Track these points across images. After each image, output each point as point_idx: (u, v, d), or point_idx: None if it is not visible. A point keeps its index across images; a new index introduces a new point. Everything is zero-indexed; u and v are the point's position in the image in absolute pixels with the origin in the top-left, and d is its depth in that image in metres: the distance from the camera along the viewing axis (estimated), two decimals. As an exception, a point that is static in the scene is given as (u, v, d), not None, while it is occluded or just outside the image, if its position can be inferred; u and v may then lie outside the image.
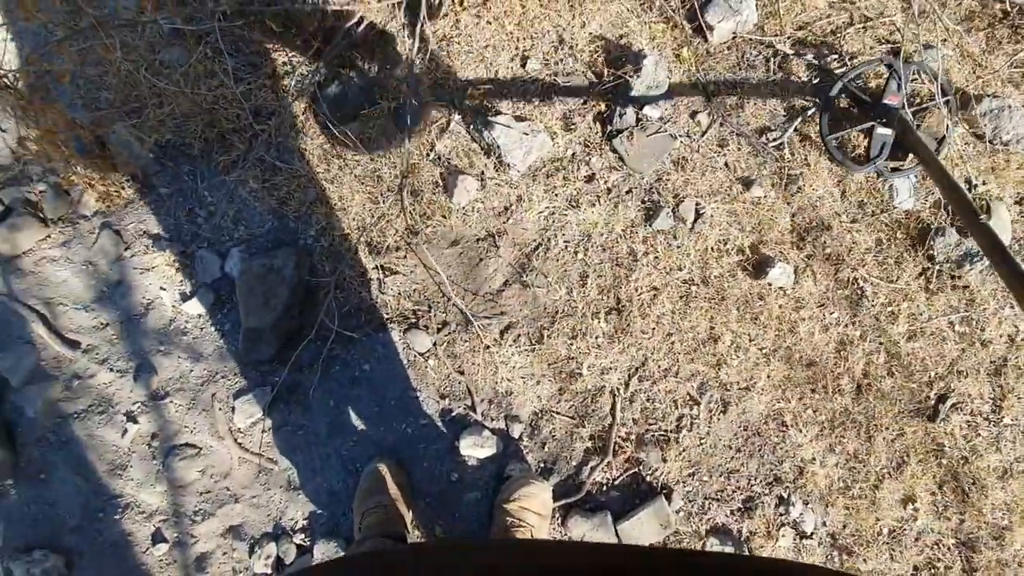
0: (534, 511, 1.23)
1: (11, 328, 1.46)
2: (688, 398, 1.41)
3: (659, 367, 1.42)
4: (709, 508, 1.36)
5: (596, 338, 1.43)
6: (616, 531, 1.30)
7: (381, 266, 1.47)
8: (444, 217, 1.49)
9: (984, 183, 1.54)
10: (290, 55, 1.55)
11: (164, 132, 1.50)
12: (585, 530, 1.30)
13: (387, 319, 1.44)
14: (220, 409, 1.43)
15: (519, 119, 1.54)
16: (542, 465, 1.37)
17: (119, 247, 1.52)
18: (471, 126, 1.53)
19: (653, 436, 1.39)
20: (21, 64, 1.54)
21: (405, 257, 1.48)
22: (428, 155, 1.52)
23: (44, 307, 1.49)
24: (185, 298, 1.48)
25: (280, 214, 1.51)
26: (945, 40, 1.60)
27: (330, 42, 1.51)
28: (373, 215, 1.49)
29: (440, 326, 1.44)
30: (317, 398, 1.41)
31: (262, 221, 1.51)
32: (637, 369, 1.42)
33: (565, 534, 1.33)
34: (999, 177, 1.54)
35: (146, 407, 1.44)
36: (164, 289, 1.50)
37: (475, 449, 1.34)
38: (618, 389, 1.40)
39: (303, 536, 1.37)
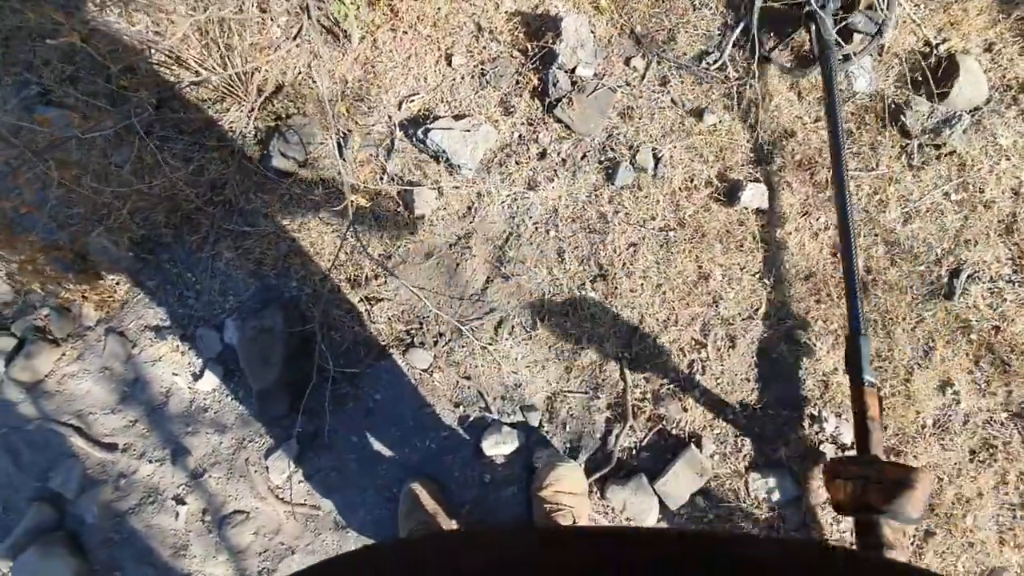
0: (568, 491, 1.22)
1: (53, 447, 1.53)
2: (693, 343, 1.37)
3: (657, 320, 1.38)
4: (742, 445, 1.32)
5: (588, 310, 1.40)
6: (655, 490, 1.28)
7: (365, 297, 1.48)
8: (411, 234, 1.48)
9: (945, 39, 1.44)
10: (229, 122, 1.56)
11: (134, 229, 1.54)
12: (624, 497, 1.28)
13: (384, 346, 1.45)
14: (255, 471, 1.47)
15: (458, 118, 1.52)
16: (568, 446, 1.36)
17: (127, 347, 1.57)
18: (413, 138, 1.52)
19: (668, 389, 1.35)
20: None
21: (385, 283, 1.48)
22: (382, 178, 1.52)
23: (77, 420, 1.56)
24: (197, 377, 1.52)
25: (260, 275, 1.53)
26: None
27: (265, 100, 1.52)
28: (346, 251, 1.50)
29: (436, 339, 1.44)
30: (339, 437, 1.43)
31: (245, 286, 1.53)
32: (636, 329, 1.39)
33: (607, 506, 1.32)
34: (959, 29, 1.43)
35: (190, 487, 1.49)
36: (176, 375, 1.54)
37: (499, 447, 1.33)
38: (622, 353, 1.38)
39: (361, 570, 1.40)
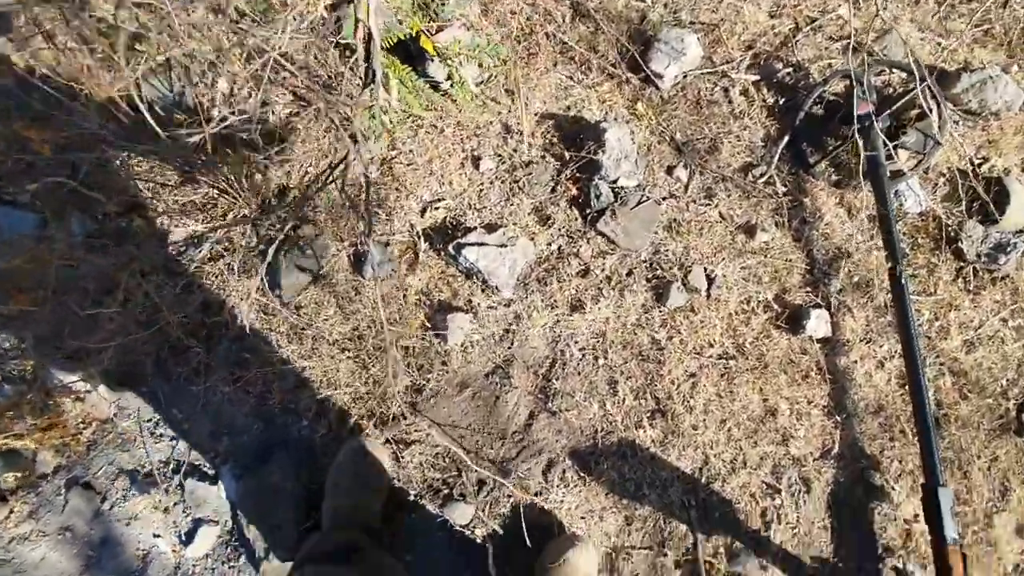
0: None
1: (-6, 639, 1.16)
2: (765, 487, 1.17)
3: (724, 462, 1.18)
4: (826, 605, 1.12)
5: (647, 450, 1.19)
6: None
7: (392, 439, 1.20)
8: (444, 364, 1.23)
9: (986, 159, 1.34)
10: (227, 232, 1.27)
11: (107, 362, 1.21)
12: None
13: (416, 497, 1.17)
14: (260, 658, 1.15)
15: (490, 229, 1.29)
16: (633, 612, 1.12)
17: (93, 501, 1.23)
18: (441, 252, 1.28)
19: (743, 543, 1.15)
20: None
21: (415, 422, 1.21)
22: (404, 297, 1.26)
23: (26, 598, 1.18)
24: (185, 540, 1.19)
25: (263, 413, 1.23)
26: (895, 21, 1.40)
27: (267, 206, 1.24)
28: (365, 382, 1.22)
29: (477, 487, 1.18)
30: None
31: (245, 425, 1.23)
32: (701, 471, 1.18)
33: None
34: (1000, 148, 1.34)
35: None
36: (159, 536, 1.21)
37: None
38: (688, 501, 1.16)
39: None
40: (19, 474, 1.26)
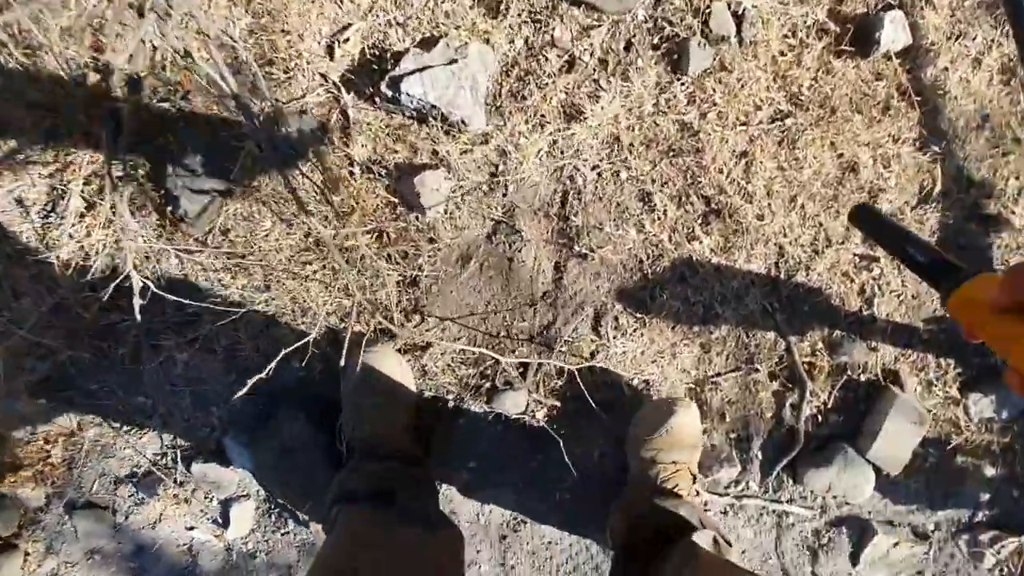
0: (689, 444, 0.88)
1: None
2: (858, 261, 0.95)
3: (803, 248, 0.94)
4: (947, 366, 0.96)
5: (708, 263, 0.95)
6: (867, 460, 0.93)
7: (402, 349, 0.97)
8: (432, 242, 0.94)
9: None
10: (76, 168, 0.91)
11: (24, 371, 0.95)
12: (829, 479, 0.93)
13: (456, 402, 0.98)
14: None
15: (426, 44, 0.92)
16: (733, 438, 0.97)
17: (105, 518, 1.06)
18: (376, 99, 0.92)
19: (842, 330, 0.96)
20: None
21: (424, 320, 0.96)
22: (352, 172, 0.93)
23: (89, 626, 1.07)
24: (222, 523, 1.03)
25: (240, 368, 0.99)
26: None
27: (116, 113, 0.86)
28: (347, 294, 0.96)
29: (521, 370, 0.97)
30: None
31: (227, 388, 0.99)
32: (777, 266, 0.95)
33: (803, 492, 0.98)
34: None
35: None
36: (193, 528, 1.05)
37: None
38: (769, 305, 0.95)
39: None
40: (13, 518, 1.08)
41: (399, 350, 0.99)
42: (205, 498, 1.05)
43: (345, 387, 0.95)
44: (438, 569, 0.66)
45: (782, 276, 0.97)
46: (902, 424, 0.93)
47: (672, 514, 0.77)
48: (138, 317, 0.80)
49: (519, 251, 0.98)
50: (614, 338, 0.97)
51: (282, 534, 1.05)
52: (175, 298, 0.85)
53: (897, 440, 0.93)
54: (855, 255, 0.96)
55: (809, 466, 0.96)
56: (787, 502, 0.99)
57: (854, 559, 1.00)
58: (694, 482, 0.88)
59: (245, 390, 0.74)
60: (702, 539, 0.73)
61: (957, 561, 1.01)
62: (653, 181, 0.95)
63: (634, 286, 0.97)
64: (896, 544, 0.98)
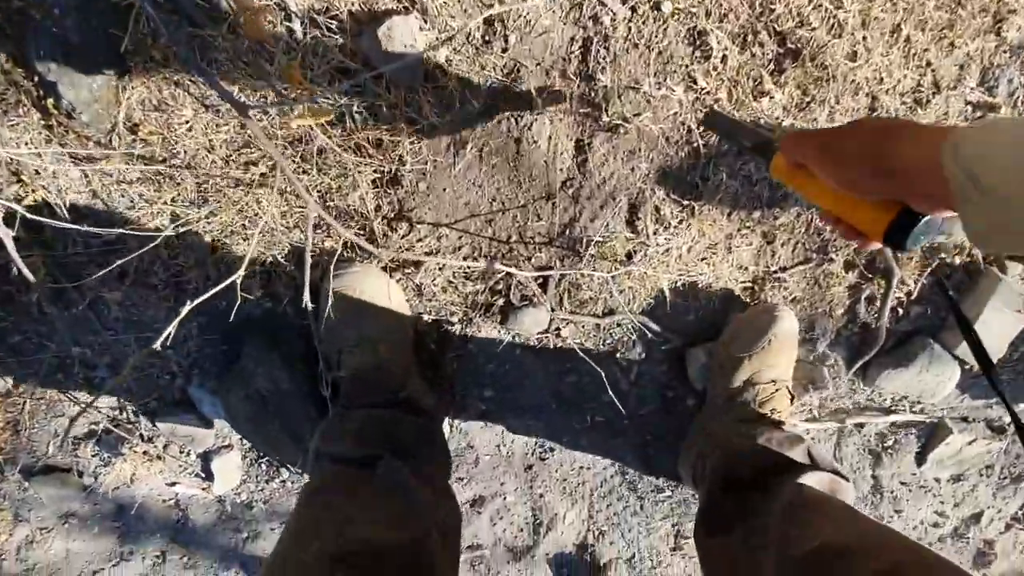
0: (787, 359, 0.75)
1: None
2: (972, 109, 0.72)
3: (901, 97, 0.72)
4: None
5: (779, 126, 0.72)
6: (955, 356, 0.78)
7: (388, 267, 0.77)
8: (412, 122, 0.70)
9: None
10: None
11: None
12: (907, 381, 0.79)
13: (463, 324, 0.79)
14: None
15: None
16: (800, 339, 0.81)
17: (71, 482, 0.91)
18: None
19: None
20: None
21: (412, 229, 0.75)
22: (290, 30, 0.66)
23: (84, 586, 0.98)
24: (206, 476, 0.89)
25: (185, 299, 0.79)
26: None
27: None
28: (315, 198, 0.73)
29: (541, 281, 0.78)
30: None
31: (181, 329, 0.80)
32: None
33: (872, 396, 0.84)
34: None
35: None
36: (175, 483, 0.91)
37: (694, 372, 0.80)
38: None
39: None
40: (-36, 487, 0.93)
41: (387, 268, 0.78)
42: (181, 452, 0.90)
43: (324, 321, 0.76)
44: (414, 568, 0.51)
45: (872, 138, 0.74)
46: (1002, 312, 0.77)
47: (778, 455, 0.63)
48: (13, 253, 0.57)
49: (529, 128, 0.73)
50: (655, 233, 0.77)
51: (279, 482, 0.92)
52: (78, 227, 0.62)
53: (994, 330, 0.77)
54: (968, 103, 0.73)
55: (885, 367, 0.82)
56: (862, 410, 0.86)
57: (920, 459, 0.90)
58: (791, 402, 0.74)
59: (172, 328, 0.54)
60: (815, 480, 0.61)
61: (1031, 451, 0.91)
62: (708, 14, 0.69)
63: (680, 165, 0.75)
64: (971, 442, 0.87)
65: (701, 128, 0.72)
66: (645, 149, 0.74)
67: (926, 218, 0.39)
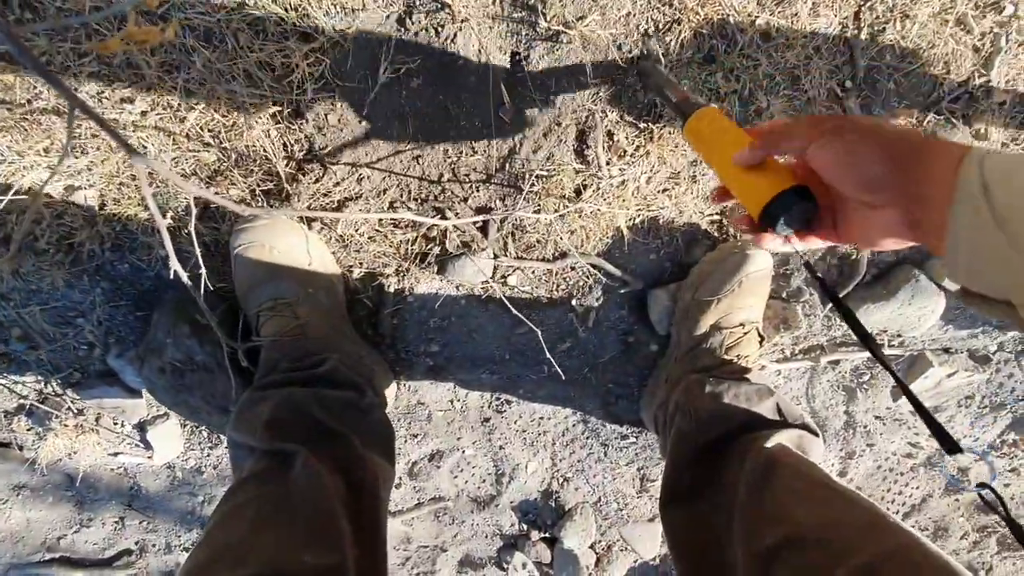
0: (758, 300, 0.69)
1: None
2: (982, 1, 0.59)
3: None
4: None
5: (751, 26, 0.59)
6: (940, 287, 0.70)
7: (307, 219, 0.67)
8: (307, 38, 0.57)
9: None
10: None
11: None
12: (888, 314, 0.72)
13: (399, 275, 0.71)
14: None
15: None
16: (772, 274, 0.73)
17: (10, 452, 0.86)
18: None
19: (938, 114, 0.65)
20: None
21: (325, 172, 0.64)
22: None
23: (48, 552, 0.96)
24: (148, 445, 0.84)
25: (92, 264, 0.70)
26: None
27: None
28: (206, 143, 0.62)
29: (480, 226, 0.68)
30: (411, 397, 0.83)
31: (88, 294, 0.71)
32: (857, 19, 0.60)
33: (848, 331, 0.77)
34: None
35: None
36: (117, 453, 0.86)
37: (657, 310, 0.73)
38: (840, 85, 0.63)
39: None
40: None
41: (304, 219, 0.68)
42: (115, 424, 0.84)
43: (236, 281, 0.67)
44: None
45: (862, 36, 0.62)
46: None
47: (746, 412, 0.57)
48: None
49: (451, 40, 0.60)
50: (607, 163, 0.66)
51: (225, 447, 0.87)
52: None
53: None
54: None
55: (865, 300, 0.74)
56: (837, 346, 0.79)
57: (896, 394, 0.84)
58: (761, 343, 0.67)
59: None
60: (785, 438, 0.56)
61: (1014, 381, 0.85)
62: None
63: (635, 79, 0.63)
64: (951, 374, 0.81)
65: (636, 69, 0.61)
66: (593, 61, 0.62)
67: (810, 203, 0.38)
